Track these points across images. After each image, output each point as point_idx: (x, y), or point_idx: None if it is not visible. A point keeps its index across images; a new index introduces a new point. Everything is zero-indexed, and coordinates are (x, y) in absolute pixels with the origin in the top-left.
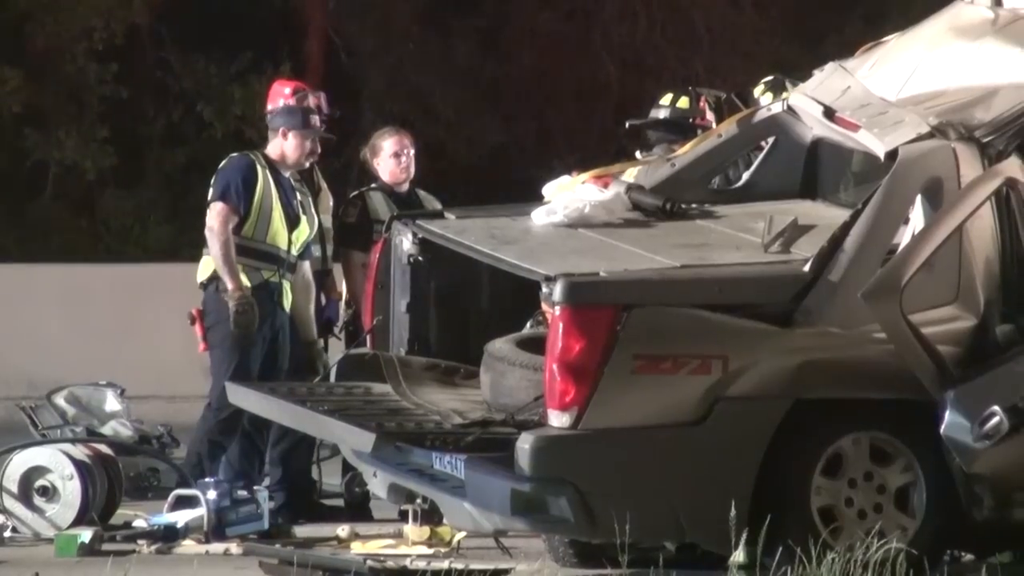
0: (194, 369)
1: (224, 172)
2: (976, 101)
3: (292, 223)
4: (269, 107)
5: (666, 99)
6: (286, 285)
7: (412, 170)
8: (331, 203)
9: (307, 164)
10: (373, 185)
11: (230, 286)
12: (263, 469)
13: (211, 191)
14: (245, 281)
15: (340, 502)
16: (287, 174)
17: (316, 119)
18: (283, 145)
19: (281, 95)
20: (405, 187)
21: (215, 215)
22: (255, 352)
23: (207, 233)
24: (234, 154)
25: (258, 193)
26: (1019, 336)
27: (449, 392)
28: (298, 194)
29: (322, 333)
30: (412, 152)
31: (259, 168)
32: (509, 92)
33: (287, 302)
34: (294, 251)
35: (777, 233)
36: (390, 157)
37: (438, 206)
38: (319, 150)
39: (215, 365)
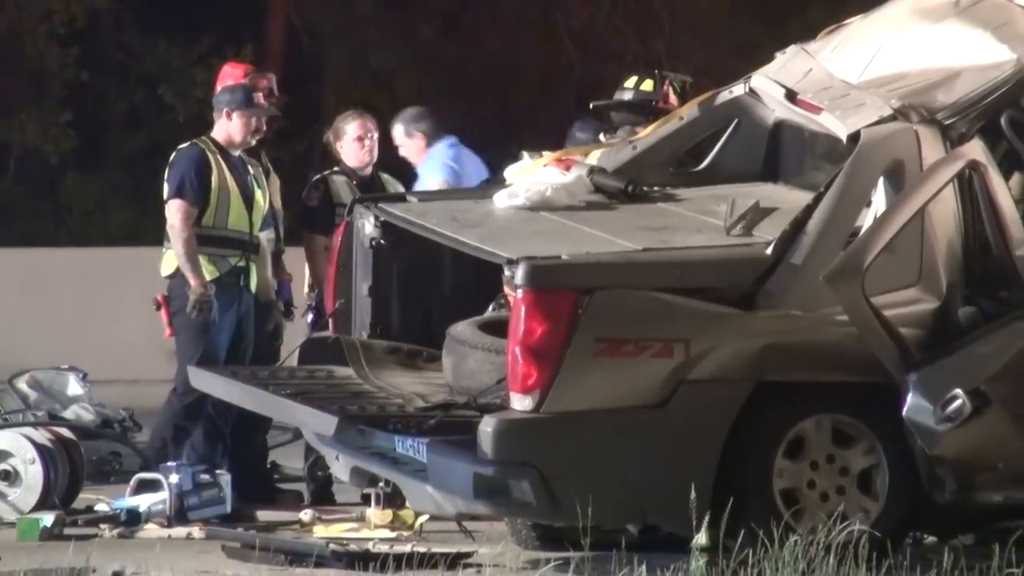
0: (156, 353)
1: (176, 166)
2: (938, 83)
3: (250, 203)
4: (217, 89)
5: (631, 82)
6: (252, 267)
7: (375, 154)
8: (278, 185)
9: (253, 142)
10: (336, 169)
11: (192, 283)
12: (226, 453)
13: (166, 187)
14: (213, 272)
15: (302, 486)
16: (237, 154)
17: (259, 96)
18: (228, 126)
19: (230, 77)
20: (368, 171)
21: (174, 212)
22: (222, 338)
23: (168, 230)
24: (182, 145)
25: (214, 181)
26: (981, 318)
27: (412, 375)
28: (249, 168)
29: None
30: (376, 136)
31: (210, 155)
32: (471, 75)
33: (253, 284)
34: (256, 231)
35: (739, 216)
36: (354, 141)
37: (401, 189)
38: (264, 128)
39: (181, 350)
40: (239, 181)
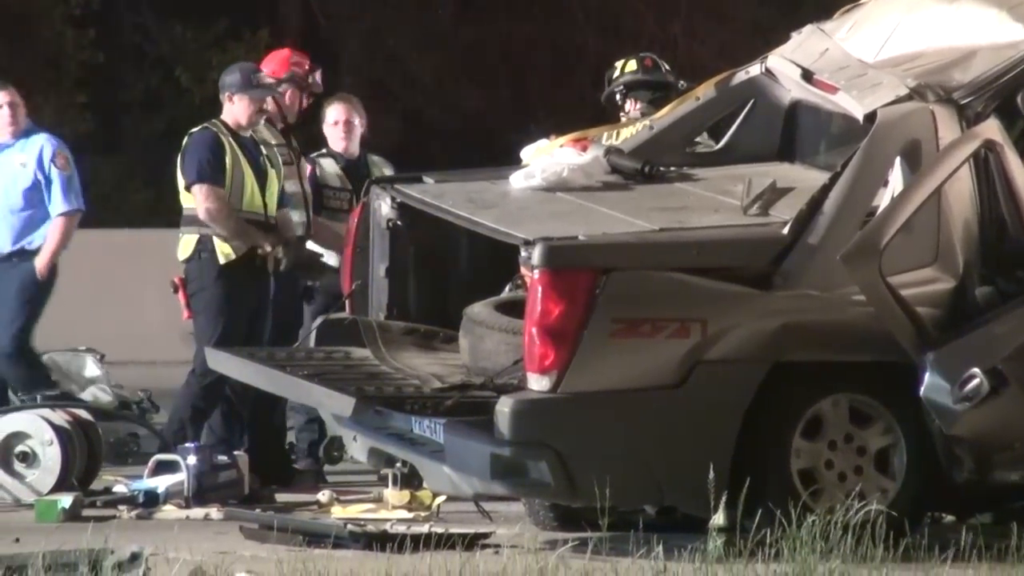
0: (173, 335)
1: (191, 152)
2: (954, 63)
3: (263, 185)
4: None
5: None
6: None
7: (356, 138)
8: (308, 169)
9: (259, 123)
10: (323, 151)
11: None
12: (244, 434)
13: (183, 174)
14: (230, 254)
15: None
16: (247, 134)
17: (260, 77)
18: (233, 110)
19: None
20: (355, 153)
21: (204, 198)
22: (240, 318)
23: (205, 217)
24: (193, 130)
25: (228, 163)
26: (998, 298)
27: (428, 356)
28: (262, 148)
29: (301, 300)
30: (359, 120)
31: (222, 138)
32: (487, 57)
33: (271, 265)
34: (271, 212)
35: (756, 196)
36: (331, 125)
37: (389, 170)
38: (269, 108)
39: (199, 331)
40: (252, 163)
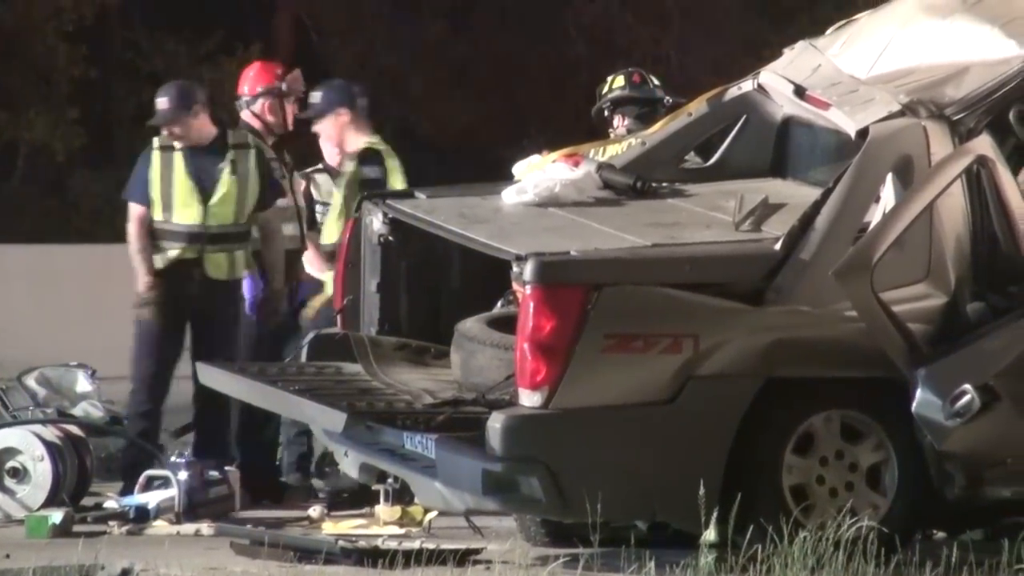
0: None
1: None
2: (947, 79)
3: (206, 195)
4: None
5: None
6: (210, 258)
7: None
8: (303, 183)
9: (209, 136)
10: (319, 166)
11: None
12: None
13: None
14: (159, 263)
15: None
16: (207, 145)
17: (197, 94)
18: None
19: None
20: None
21: (128, 216)
22: (167, 331)
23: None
24: None
25: (153, 178)
26: (989, 314)
27: (420, 372)
28: (221, 163)
29: (295, 314)
30: None
31: (154, 153)
32: (479, 71)
33: (217, 271)
34: (212, 220)
35: (748, 211)
36: (326, 140)
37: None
38: (215, 128)
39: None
40: (193, 175)
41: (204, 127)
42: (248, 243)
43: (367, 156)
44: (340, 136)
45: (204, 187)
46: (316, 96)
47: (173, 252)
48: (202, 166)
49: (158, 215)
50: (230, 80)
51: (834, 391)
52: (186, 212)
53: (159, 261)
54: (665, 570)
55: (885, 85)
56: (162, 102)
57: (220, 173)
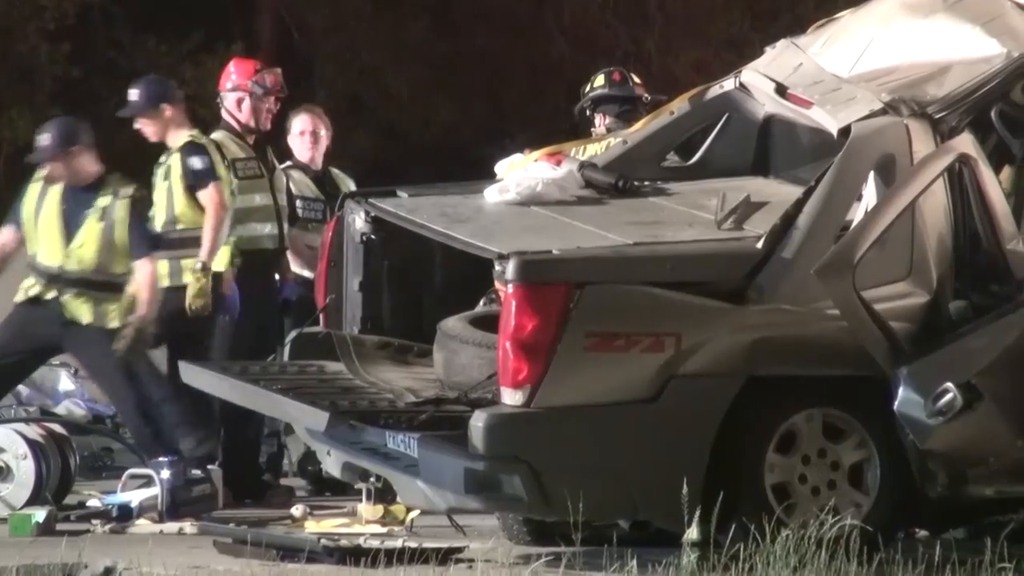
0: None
1: None
2: (928, 77)
3: (70, 236)
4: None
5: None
6: (69, 302)
7: (321, 150)
8: (283, 182)
9: (90, 177)
10: (290, 163)
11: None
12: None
13: None
14: (19, 296)
15: (293, 481)
16: (87, 185)
17: (80, 134)
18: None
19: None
20: (318, 165)
21: None
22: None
23: None
24: None
25: (24, 211)
26: (972, 312)
27: (402, 371)
28: (89, 208)
29: (279, 314)
30: (324, 132)
31: (33, 184)
32: (461, 70)
33: (77, 315)
34: (72, 266)
35: (730, 210)
36: (297, 135)
37: (352, 185)
38: (97, 168)
39: None
40: (65, 213)
41: (85, 167)
42: (122, 295)
43: (191, 148)
44: (163, 132)
45: (70, 229)
46: (134, 94)
47: (34, 290)
48: (74, 207)
49: (28, 246)
50: (212, 79)
51: (816, 390)
52: (47, 251)
53: (21, 293)
54: (647, 569)
55: (867, 84)
56: (43, 139)
57: (86, 218)
